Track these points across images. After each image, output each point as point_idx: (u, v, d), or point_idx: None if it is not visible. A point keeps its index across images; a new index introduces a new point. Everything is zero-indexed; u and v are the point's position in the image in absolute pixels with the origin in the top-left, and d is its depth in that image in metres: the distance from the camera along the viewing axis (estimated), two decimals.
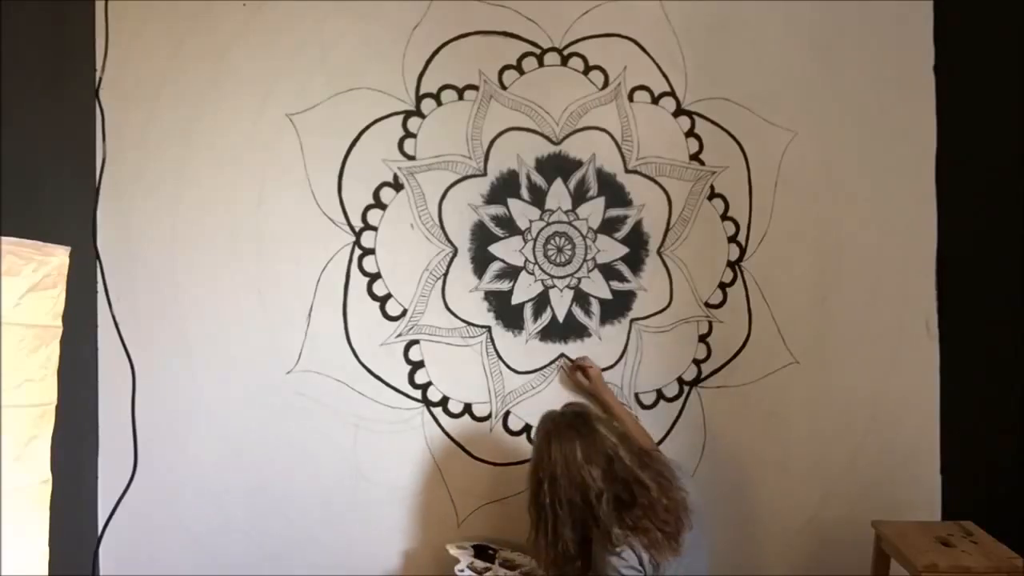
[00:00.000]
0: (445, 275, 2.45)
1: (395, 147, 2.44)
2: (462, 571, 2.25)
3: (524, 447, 2.46)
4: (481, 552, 2.32)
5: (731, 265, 2.48)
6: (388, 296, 2.45)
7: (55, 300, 1.34)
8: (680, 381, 2.48)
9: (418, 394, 2.45)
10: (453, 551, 2.32)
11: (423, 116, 2.45)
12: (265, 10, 2.42)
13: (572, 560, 1.95)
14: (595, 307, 2.47)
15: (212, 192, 2.42)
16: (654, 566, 1.90)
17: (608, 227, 2.47)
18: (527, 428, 2.47)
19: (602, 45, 2.46)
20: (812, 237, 2.47)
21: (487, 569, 2.25)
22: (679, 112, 2.47)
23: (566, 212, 2.47)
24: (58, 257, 1.34)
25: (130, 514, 2.38)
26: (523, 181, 2.47)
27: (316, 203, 2.42)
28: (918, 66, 2.47)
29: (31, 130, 2.10)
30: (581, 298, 2.47)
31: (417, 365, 2.45)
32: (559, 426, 2.02)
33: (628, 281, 2.47)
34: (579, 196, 2.47)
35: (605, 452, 1.96)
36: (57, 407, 1.37)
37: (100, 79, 2.40)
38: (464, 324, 2.46)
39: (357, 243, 2.44)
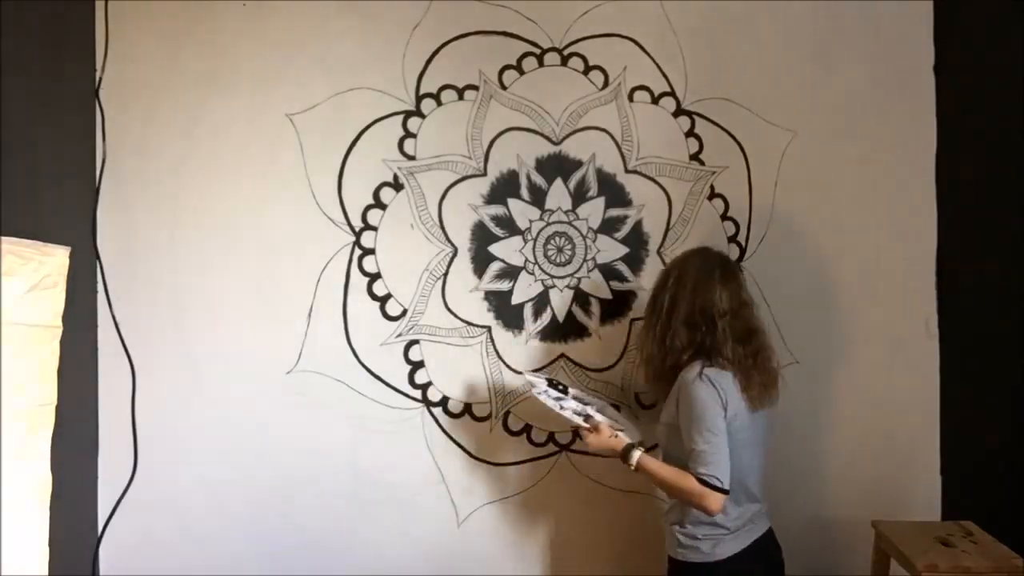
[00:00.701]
0: (445, 275, 2.45)
1: (395, 147, 2.44)
2: (539, 393, 2.16)
3: (524, 447, 2.46)
4: (553, 384, 2.27)
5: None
6: (388, 296, 2.45)
7: (55, 300, 1.34)
8: None
9: (418, 394, 2.45)
10: (529, 376, 2.28)
11: (423, 116, 2.45)
12: (265, 10, 2.42)
13: (670, 360, 2.00)
14: (595, 307, 2.47)
15: (212, 192, 2.42)
16: (733, 410, 1.91)
17: (608, 227, 2.47)
18: (527, 428, 2.47)
19: (602, 45, 2.46)
20: (812, 237, 2.47)
21: (563, 397, 2.19)
22: (679, 112, 2.47)
23: (566, 212, 2.47)
24: (58, 257, 1.34)
25: (130, 514, 2.39)
26: (523, 181, 2.46)
27: (316, 203, 2.43)
28: (918, 66, 2.47)
29: (31, 130, 2.11)
30: (581, 298, 2.47)
31: (417, 365, 2.45)
32: (708, 249, 2.08)
33: (628, 281, 2.47)
34: (579, 196, 2.47)
35: (740, 293, 2.01)
36: (57, 407, 1.37)
37: (100, 79, 2.40)
38: (464, 324, 2.46)
39: (357, 243, 2.44)
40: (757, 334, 2.01)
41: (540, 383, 2.23)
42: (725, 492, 1.87)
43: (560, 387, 2.26)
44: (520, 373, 2.38)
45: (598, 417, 2.11)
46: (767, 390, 1.99)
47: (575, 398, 2.23)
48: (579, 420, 2.10)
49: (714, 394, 1.91)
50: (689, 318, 1.98)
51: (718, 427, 1.89)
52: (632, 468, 1.99)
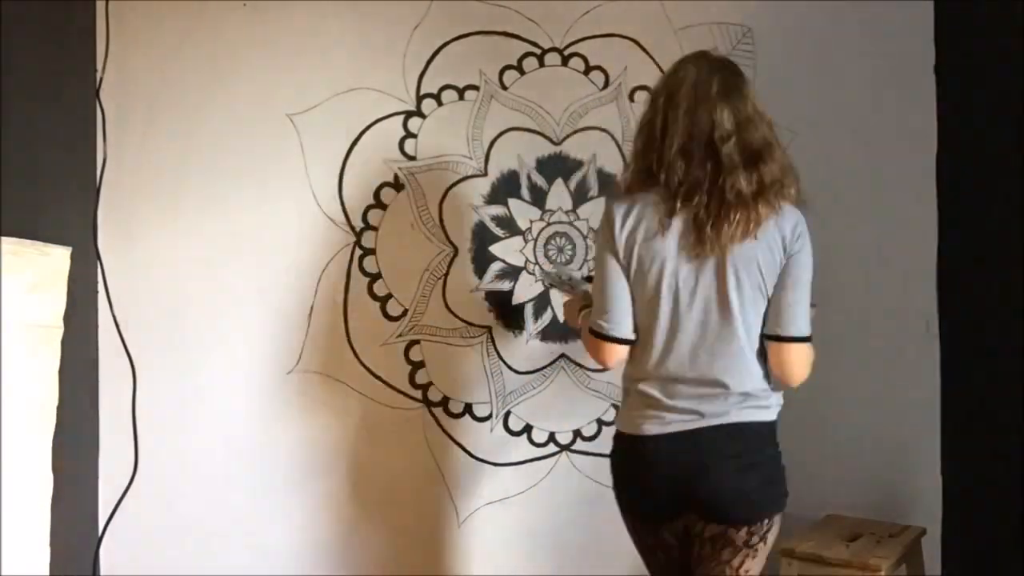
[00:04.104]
0: (445, 275, 2.45)
1: (396, 147, 2.44)
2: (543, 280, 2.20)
3: (524, 447, 2.46)
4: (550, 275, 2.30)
5: None
6: (389, 296, 2.45)
7: (55, 300, 1.34)
8: None
9: (418, 394, 2.45)
10: (549, 267, 2.31)
11: (424, 116, 2.45)
12: (265, 10, 2.42)
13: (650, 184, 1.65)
14: None
15: (212, 192, 2.42)
16: (637, 247, 1.63)
17: None
18: (527, 428, 2.47)
19: (603, 45, 2.46)
20: (811, 237, 2.46)
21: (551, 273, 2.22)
22: None
23: (567, 212, 2.47)
24: (58, 257, 1.34)
25: (130, 514, 2.38)
26: (524, 181, 2.46)
27: (317, 203, 2.42)
28: (918, 66, 2.47)
29: (31, 130, 2.11)
30: None
31: (417, 365, 2.45)
32: (706, 55, 1.70)
33: None
34: (580, 196, 2.47)
35: (748, 109, 1.63)
36: (57, 407, 1.37)
37: (100, 79, 2.39)
38: (464, 324, 2.46)
39: (358, 243, 2.44)
40: (766, 153, 1.63)
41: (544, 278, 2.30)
42: (614, 340, 1.66)
43: (569, 284, 2.18)
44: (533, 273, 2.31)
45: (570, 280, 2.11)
46: (753, 226, 1.61)
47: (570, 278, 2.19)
48: (563, 293, 2.14)
49: (606, 224, 1.66)
50: (684, 147, 1.61)
51: (603, 266, 1.67)
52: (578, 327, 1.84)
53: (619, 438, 1.76)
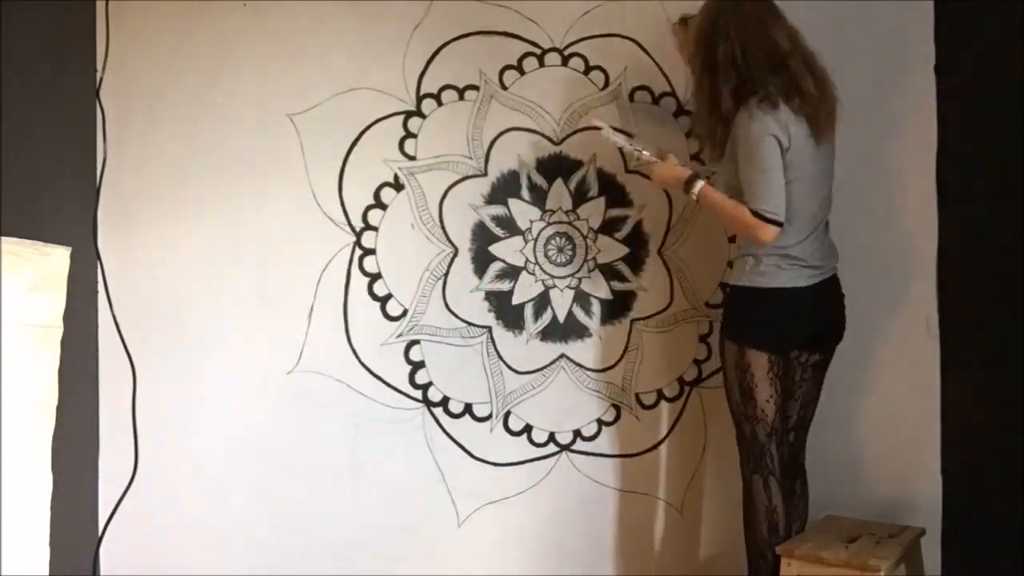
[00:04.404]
0: (446, 275, 2.45)
1: (396, 147, 2.44)
2: (609, 133, 2.24)
3: (524, 447, 2.46)
4: (621, 131, 2.32)
5: (731, 265, 2.48)
6: (389, 296, 2.45)
7: (55, 300, 1.34)
8: (681, 381, 2.48)
9: (419, 394, 2.45)
10: (596, 121, 2.32)
11: (424, 116, 2.45)
12: (265, 10, 2.42)
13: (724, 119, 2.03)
14: (596, 307, 2.47)
15: (212, 192, 2.42)
16: (793, 144, 1.98)
17: (609, 227, 2.47)
18: (527, 428, 2.47)
19: (603, 45, 2.46)
20: None
21: (631, 137, 2.27)
22: (680, 112, 2.47)
23: (567, 212, 2.47)
24: (58, 257, 1.34)
25: (130, 514, 2.38)
26: (524, 181, 2.46)
27: (317, 203, 2.42)
28: (918, 66, 2.47)
29: (31, 130, 2.11)
30: (582, 298, 2.47)
31: (418, 365, 2.45)
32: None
33: (629, 281, 2.47)
34: (580, 196, 2.47)
35: (790, 29, 2.05)
36: (57, 407, 1.37)
37: (100, 79, 2.40)
38: (465, 324, 2.46)
39: (358, 243, 2.44)
40: (814, 59, 2.05)
41: (606, 127, 2.28)
42: (778, 224, 1.97)
43: (626, 133, 2.32)
44: (598, 128, 2.29)
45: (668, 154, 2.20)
46: (830, 117, 2.07)
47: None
48: (647, 155, 2.19)
49: (767, 123, 1.96)
50: (769, 59, 2.00)
51: (772, 161, 1.96)
52: (694, 198, 2.09)
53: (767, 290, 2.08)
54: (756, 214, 1.98)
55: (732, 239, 2.47)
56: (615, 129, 2.32)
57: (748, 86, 2.00)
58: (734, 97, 2.01)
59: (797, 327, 2.12)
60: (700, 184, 2.08)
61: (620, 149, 2.29)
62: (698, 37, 2.07)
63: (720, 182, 2.11)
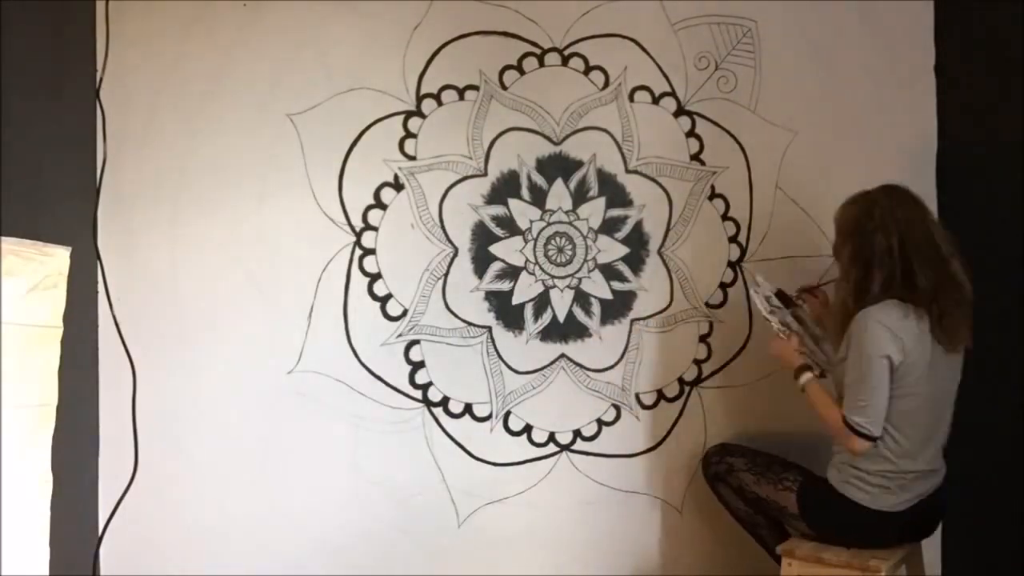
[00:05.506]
0: (446, 275, 2.45)
1: (396, 147, 2.44)
2: (757, 293, 2.23)
3: (524, 447, 2.46)
4: (782, 297, 2.29)
5: (731, 265, 2.48)
6: (389, 296, 2.45)
7: (55, 300, 1.34)
8: (681, 381, 2.48)
9: (418, 394, 2.45)
10: (759, 277, 2.30)
11: (424, 116, 2.45)
12: (265, 10, 2.42)
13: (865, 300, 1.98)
14: (596, 307, 2.47)
15: (212, 192, 2.42)
16: (908, 356, 1.92)
17: (609, 227, 2.47)
18: (527, 428, 2.47)
19: (602, 45, 2.46)
20: (812, 237, 2.47)
21: (778, 308, 2.23)
22: (680, 112, 2.47)
23: (567, 212, 2.47)
24: (58, 257, 1.34)
25: (130, 514, 2.38)
26: (524, 181, 2.46)
27: (317, 203, 2.42)
28: (918, 66, 2.47)
29: (31, 130, 2.10)
30: (582, 298, 2.47)
31: (418, 365, 2.45)
32: (900, 186, 2.03)
33: (629, 281, 2.47)
34: (580, 196, 2.47)
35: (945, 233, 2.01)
36: (57, 407, 1.37)
37: (100, 79, 2.39)
38: (464, 324, 2.46)
39: (358, 243, 2.44)
40: (957, 272, 1.98)
41: (766, 287, 2.26)
42: (871, 439, 1.95)
43: (789, 303, 2.28)
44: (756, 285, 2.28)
45: (800, 333, 2.18)
46: (967, 320, 1.98)
47: (796, 316, 2.24)
48: (778, 326, 2.16)
49: (883, 341, 1.92)
50: (928, 249, 1.96)
51: (876, 375, 1.92)
52: (800, 388, 2.09)
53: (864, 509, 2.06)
54: (847, 423, 1.96)
55: (732, 239, 2.48)
56: (778, 293, 2.28)
57: (897, 279, 1.95)
58: (883, 290, 1.96)
59: (885, 541, 2.08)
60: (807, 376, 2.08)
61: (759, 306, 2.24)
62: (849, 228, 2.03)
63: (835, 379, 2.10)
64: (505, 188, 2.46)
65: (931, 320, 1.94)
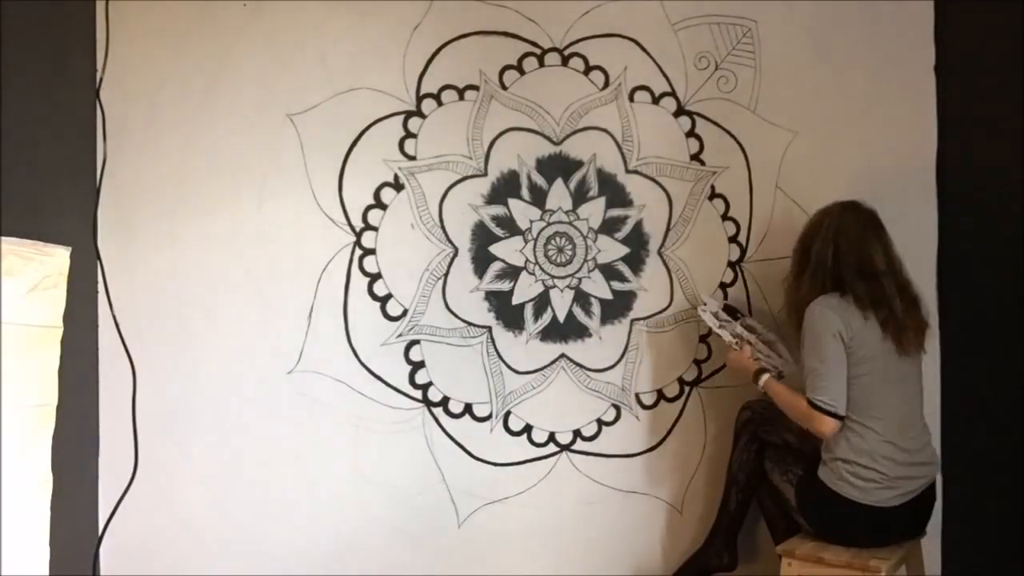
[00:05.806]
0: (446, 275, 2.45)
1: (396, 147, 2.44)
2: (704, 311, 2.33)
3: (524, 447, 2.46)
4: (729, 311, 2.40)
5: (732, 265, 2.48)
6: (389, 296, 2.45)
7: (55, 300, 1.34)
8: (681, 381, 2.48)
9: (418, 394, 2.45)
10: (704, 296, 2.42)
11: (424, 116, 2.45)
12: (265, 10, 2.42)
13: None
14: (596, 307, 2.47)
15: (212, 192, 2.42)
16: (856, 339, 2.03)
17: (609, 227, 2.47)
18: (527, 428, 2.47)
19: (603, 45, 2.46)
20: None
21: (727, 322, 2.34)
22: (680, 112, 2.47)
23: (567, 212, 2.47)
24: (58, 257, 1.34)
25: (130, 514, 2.38)
26: (524, 181, 2.46)
27: (317, 203, 2.42)
28: (918, 66, 2.47)
29: (31, 130, 2.11)
30: (582, 298, 2.47)
31: (418, 365, 2.45)
32: (857, 206, 2.16)
33: (629, 281, 2.47)
34: (580, 196, 2.47)
35: (894, 253, 2.14)
36: (57, 407, 1.37)
37: (100, 79, 2.39)
38: (464, 324, 2.46)
39: (358, 243, 2.44)
40: (909, 286, 2.13)
41: (712, 304, 2.37)
42: (837, 417, 2.03)
43: (737, 314, 2.39)
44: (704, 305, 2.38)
45: (751, 341, 2.30)
46: (919, 337, 2.10)
47: (745, 326, 2.34)
48: (729, 338, 2.29)
49: (830, 319, 2.04)
50: (860, 268, 2.08)
51: (830, 352, 2.03)
52: (760, 388, 2.22)
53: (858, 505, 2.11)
54: (812, 404, 2.05)
55: (732, 239, 2.48)
56: (725, 308, 2.39)
57: (828, 289, 2.10)
58: (810, 296, 2.11)
59: (882, 539, 2.11)
60: (765, 377, 2.21)
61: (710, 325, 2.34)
62: (801, 236, 2.20)
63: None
64: (505, 188, 2.46)
65: (877, 321, 2.07)
